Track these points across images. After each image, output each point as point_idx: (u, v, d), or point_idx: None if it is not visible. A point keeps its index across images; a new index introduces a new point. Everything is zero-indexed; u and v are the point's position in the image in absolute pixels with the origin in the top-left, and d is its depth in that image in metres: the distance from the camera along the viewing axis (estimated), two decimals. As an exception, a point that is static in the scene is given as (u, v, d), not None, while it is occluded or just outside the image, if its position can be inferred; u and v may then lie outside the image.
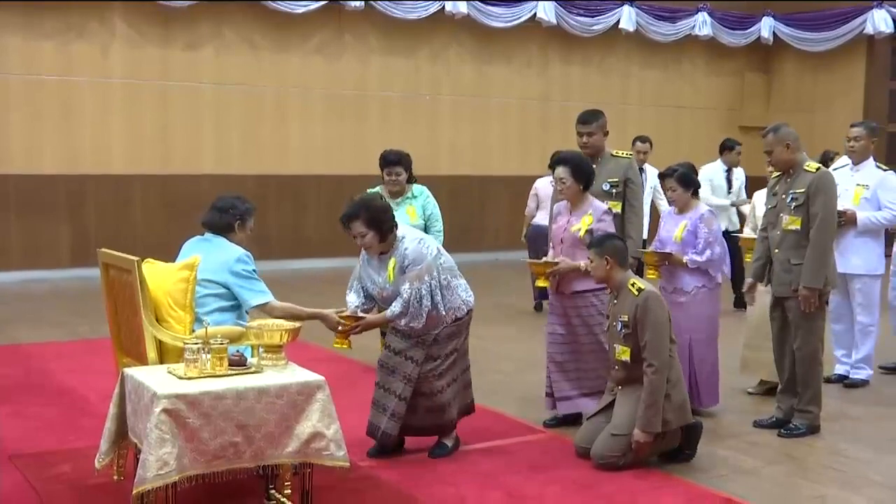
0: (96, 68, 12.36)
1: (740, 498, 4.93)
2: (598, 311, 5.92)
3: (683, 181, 6.33)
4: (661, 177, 6.55)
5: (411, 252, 5.23)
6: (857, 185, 7.09)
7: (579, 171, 5.95)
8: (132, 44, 12.54)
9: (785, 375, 6.13)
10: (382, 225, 5.19)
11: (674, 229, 6.35)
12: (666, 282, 6.34)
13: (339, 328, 5.23)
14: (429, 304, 5.19)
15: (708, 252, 6.21)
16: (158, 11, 12.55)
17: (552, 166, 6.18)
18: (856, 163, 7.20)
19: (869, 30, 15.57)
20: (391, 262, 5.27)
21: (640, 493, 4.98)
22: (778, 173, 6.14)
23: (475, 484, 5.05)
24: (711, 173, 10.25)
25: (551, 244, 6.23)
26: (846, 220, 6.94)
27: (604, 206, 6.06)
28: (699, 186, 6.48)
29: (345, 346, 5.31)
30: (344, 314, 5.26)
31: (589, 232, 5.89)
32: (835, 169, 7.27)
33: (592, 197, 6.08)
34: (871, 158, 7.23)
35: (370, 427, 5.44)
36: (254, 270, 5.13)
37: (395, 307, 5.21)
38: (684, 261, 6.22)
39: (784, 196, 6.00)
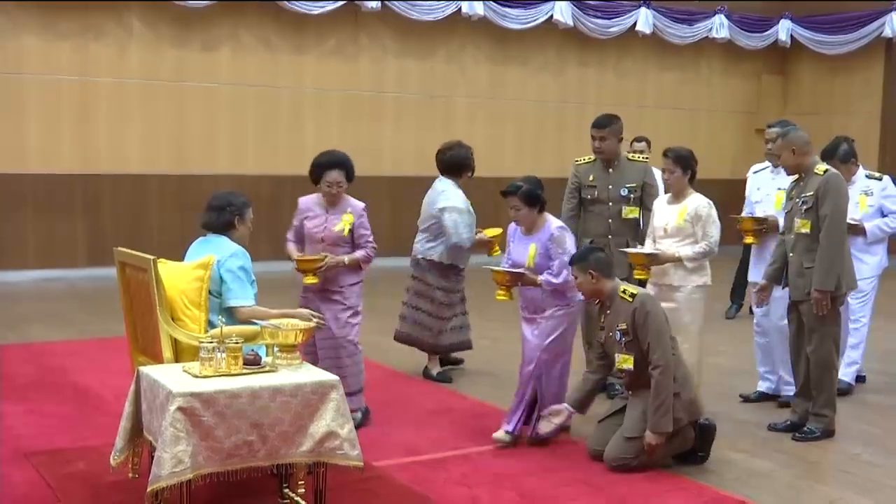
0: (113, 69, 12.40)
1: (754, 501, 4.92)
2: (345, 306, 6.00)
3: (528, 198, 5.67)
4: (504, 194, 5.77)
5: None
6: (777, 189, 6.66)
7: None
8: (149, 44, 12.58)
9: (800, 379, 6.11)
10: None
11: (524, 253, 5.77)
12: (524, 301, 5.89)
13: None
14: None
15: (564, 273, 5.62)
16: (175, 12, 12.59)
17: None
18: (776, 165, 6.71)
19: (887, 33, 15.47)
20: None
21: (653, 495, 4.98)
22: (795, 177, 6.11)
23: (488, 485, 5.06)
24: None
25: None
26: (768, 228, 6.63)
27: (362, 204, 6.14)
28: (545, 203, 5.74)
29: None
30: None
31: (351, 231, 6.01)
32: (754, 172, 7.07)
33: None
34: None
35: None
36: (242, 268, 5.06)
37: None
38: (539, 281, 5.67)
39: (797, 200, 5.99)
